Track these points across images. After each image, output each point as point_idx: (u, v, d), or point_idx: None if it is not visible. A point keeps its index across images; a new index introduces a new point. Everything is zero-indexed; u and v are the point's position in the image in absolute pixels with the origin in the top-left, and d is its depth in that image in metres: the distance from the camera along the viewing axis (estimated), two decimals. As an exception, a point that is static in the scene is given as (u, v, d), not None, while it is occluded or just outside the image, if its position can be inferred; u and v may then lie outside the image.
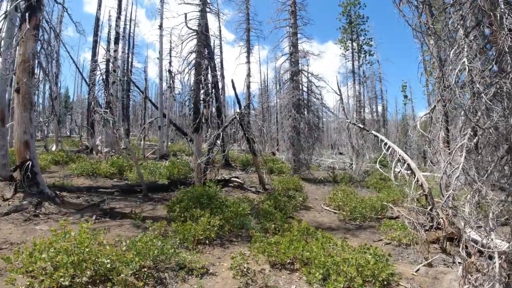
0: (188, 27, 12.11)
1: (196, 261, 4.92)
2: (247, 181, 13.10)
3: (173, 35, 26.37)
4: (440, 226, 6.95)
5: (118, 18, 21.08)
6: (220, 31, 26.69)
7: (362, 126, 13.95)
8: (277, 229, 6.87)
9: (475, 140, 3.34)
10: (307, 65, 18.38)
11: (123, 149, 19.94)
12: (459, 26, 3.44)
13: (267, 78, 41.96)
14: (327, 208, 10.38)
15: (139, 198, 9.97)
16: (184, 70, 11.94)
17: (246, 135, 11.89)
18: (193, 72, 11.67)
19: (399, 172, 8.01)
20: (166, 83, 26.78)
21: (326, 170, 19.54)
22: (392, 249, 6.80)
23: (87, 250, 3.99)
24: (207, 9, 12.95)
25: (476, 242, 4.07)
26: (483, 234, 3.61)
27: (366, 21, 31.93)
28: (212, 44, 16.07)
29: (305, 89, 18.09)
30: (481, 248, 3.65)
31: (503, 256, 3.73)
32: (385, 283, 4.64)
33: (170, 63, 27.62)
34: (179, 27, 12.37)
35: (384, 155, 8.49)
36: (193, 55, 11.74)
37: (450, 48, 3.45)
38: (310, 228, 6.48)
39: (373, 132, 10.26)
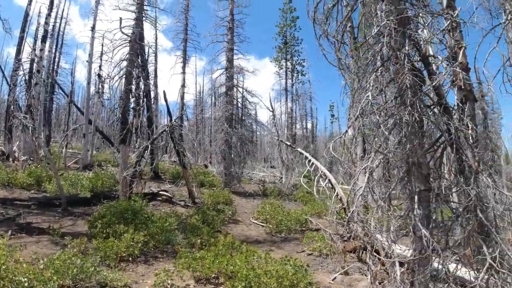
0: (122, 32, 11.67)
1: (118, 279, 4.75)
2: (176, 194, 12.86)
3: (106, 38, 24.97)
4: (357, 237, 7.60)
5: (49, 15, 19.39)
6: (156, 38, 26.05)
7: (289, 143, 14.68)
8: (203, 244, 6.91)
9: (376, 162, 3.82)
10: (242, 81, 18.89)
11: (43, 157, 18.25)
12: (368, 63, 3.94)
13: (203, 90, 41.66)
14: (256, 221, 10.65)
15: (58, 212, 9.23)
16: (114, 78, 11.44)
17: (176, 147, 11.72)
18: (123, 81, 11.24)
19: (321, 187, 8.62)
20: (95, 87, 25.12)
21: (257, 183, 19.99)
22: (313, 260, 7.24)
23: (3, 267, 3.78)
24: (143, 17, 12.64)
25: (383, 252, 4.57)
26: (387, 245, 4.09)
27: (300, 43, 33.75)
28: (146, 51, 15.66)
29: (239, 104, 18.49)
30: (383, 258, 4.12)
31: (406, 265, 4.25)
32: (303, 292, 4.94)
33: (100, 67, 26.07)
34: (113, 32, 11.77)
35: (309, 171, 9.05)
36: (124, 63, 11.33)
37: (359, 83, 3.93)
38: (235, 242, 6.63)
39: (299, 149, 10.88)
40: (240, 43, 19.21)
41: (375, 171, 3.87)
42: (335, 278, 6.01)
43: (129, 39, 11.62)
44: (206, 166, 27.62)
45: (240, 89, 18.55)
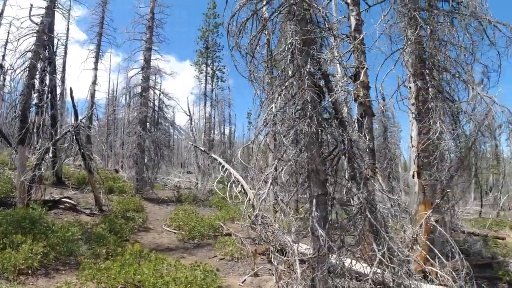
0: (31, 20, 10.50)
1: (17, 293, 4.25)
2: (82, 201, 11.87)
3: (13, 25, 21.81)
4: (270, 241, 7.96)
5: None
6: (68, 30, 23.51)
7: (203, 149, 14.68)
8: (110, 254, 6.59)
9: (279, 170, 4.11)
10: (160, 82, 18.29)
11: None
12: (278, 77, 4.24)
13: (117, 89, 38.93)
14: (168, 228, 10.40)
15: None
16: (15, 71, 10.15)
17: (82, 150, 10.82)
18: (26, 74, 10.04)
19: (234, 193, 8.85)
20: None
21: (172, 189, 19.47)
22: (225, 264, 7.37)
23: None
24: (55, 7, 11.50)
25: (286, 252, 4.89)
26: (289, 245, 4.41)
27: (222, 49, 34.01)
28: (56, 43, 14.07)
29: (154, 105, 17.85)
30: (284, 258, 4.42)
31: (307, 263, 4.62)
32: (213, 296, 5.03)
33: (3, 56, 22.63)
34: (21, 19, 10.50)
35: (222, 177, 9.20)
36: (29, 55, 10.15)
37: (267, 95, 4.21)
38: (143, 250, 6.44)
39: (213, 155, 10.99)
40: (159, 43, 18.62)
41: (283, 176, 4.15)
42: (244, 280, 6.22)
43: (36, 28, 10.48)
44: (117, 171, 25.95)
45: (157, 91, 17.95)
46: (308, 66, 4.03)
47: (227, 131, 38.96)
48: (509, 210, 32.47)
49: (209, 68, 33.84)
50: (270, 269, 7.09)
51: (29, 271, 5.46)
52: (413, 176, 7.70)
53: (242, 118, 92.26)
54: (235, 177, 8.59)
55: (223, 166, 9.17)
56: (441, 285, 6.57)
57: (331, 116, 4.39)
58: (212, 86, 33.95)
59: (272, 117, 3.81)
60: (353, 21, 8.87)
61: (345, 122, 4.44)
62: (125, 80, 22.42)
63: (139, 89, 17.66)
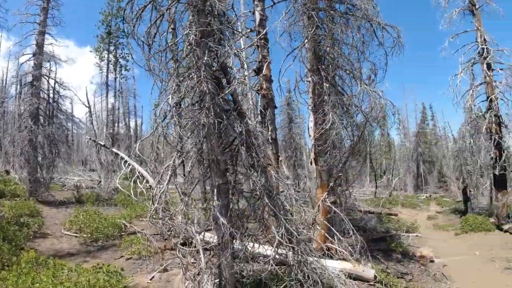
0: None
1: None
2: (-37, 210, 10.18)
3: None
4: (176, 234, 7.86)
5: None
6: None
7: (102, 143, 13.72)
8: (5, 264, 5.90)
9: (179, 161, 4.12)
10: (55, 70, 16.36)
11: None
12: (176, 67, 4.19)
13: (7, 77, 33.65)
14: (68, 232, 9.54)
15: None
16: None
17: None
18: None
19: (141, 188, 8.52)
20: None
21: (72, 189, 17.80)
22: (132, 263, 7.10)
23: None
24: None
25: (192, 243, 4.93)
26: (193, 237, 4.46)
27: (126, 35, 31.72)
28: None
29: (47, 97, 15.98)
30: (187, 249, 4.46)
31: (211, 252, 4.72)
32: (120, 297, 4.84)
33: None
34: None
35: (125, 173, 8.78)
36: None
37: (164, 86, 4.14)
38: (39, 257, 5.86)
39: (114, 149, 10.39)
40: (54, 27, 16.59)
41: (188, 168, 4.15)
42: (153, 277, 6.10)
43: None
44: (8, 172, 22.72)
45: (51, 80, 16.07)
46: (206, 58, 4.07)
47: (132, 124, 36.59)
48: (400, 190, 37.58)
49: (111, 56, 31.37)
50: (179, 263, 7.05)
51: None
52: (311, 162, 8.40)
53: (150, 110, 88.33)
54: (139, 172, 8.26)
55: (125, 161, 8.72)
56: (339, 259, 7.35)
57: (230, 108, 4.52)
58: (115, 75, 31.58)
59: (170, 108, 3.76)
60: (257, 16, 9.18)
61: (244, 113, 4.61)
62: (15, 67, 19.61)
63: (30, 78, 15.63)
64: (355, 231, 7.47)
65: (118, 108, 32.41)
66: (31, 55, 15.79)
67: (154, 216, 4.13)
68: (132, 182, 8.08)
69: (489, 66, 14.25)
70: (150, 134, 4.34)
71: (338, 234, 7.63)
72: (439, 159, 39.55)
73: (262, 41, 8.56)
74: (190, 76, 4.28)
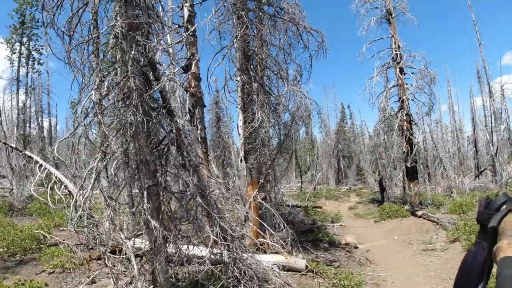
0: None
1: None
2: None
3: None
4: (102, 243, 7.31)
5: None
6: None
7: (14, 146, 12.25)
8: None
9: (105, 163, 3.83)
10: None
11: None
12: (99, 61, 3.87)
13: None
14: (-25, 248, 8.30)
15: None
16: None
17: None
18: None
19: (58, 195, 7.76)
20: None
21: (-24, 199, 15.54)
22: (55, 277, 6.45)
23: None
24: None
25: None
26: (122, 244, 4.19)
27: (41, 26, 28.45)
28: None
29: None
30: (118, 256, 4.20)
31: (144, 257, 4.48)
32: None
33: None
34: None
35: (40, 179, 7.92)
36: None
37: (83, 81, 3.80)
38: None
39: (27, 152, 9.33)
40: None
41: (113, 170, 3.87)
42: (78, 290, 5.60)
43: None
44: None
45: None
46: (134, 52, 3.83)
47: (46, 124, 32.96)
48: (323, 184, 39.94)
49: (24, 48, 28.07)
50: (108, 273, 6.58)
51: None
52: (241, 160, 8.47)
53: (67, 108, 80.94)
54: (57, 177, 7.51)
55: (40, 166, 7.86)
56: (272, 253, 7.53)
57: (158, 106, 4.33)
58: (27, 69, 28.28)
59: (93, 105, 3.46)
60: (186, 12, 8.91)
61: (173, 111, 4.46)
62: None
63: None
64: (285, 225, 7.74)
65: (30, 106, 28.97)
66: None
67: (78, 224, 3.78)
68: (49, 188, 7.30)
69: (401, 70, 15.85)
70: (69, 134, 3.96)
71: (269, 229, 7.82)
72: (357, 154, 43.00)
73: (191, 38, 8.37)
74: (115, 71, 4.01)
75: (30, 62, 28.67)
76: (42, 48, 28.93)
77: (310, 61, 8.47)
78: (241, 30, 7.67)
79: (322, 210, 17.90)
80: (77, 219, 3.57)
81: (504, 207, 0.93)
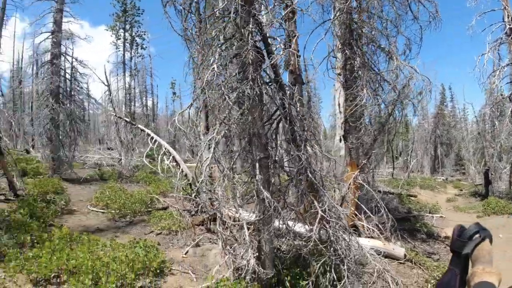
0: None
1: None
2: (-9, 187, 10.39)
3: None
4: (204, 209, 7.90)
5: None
6: None
7: (128, 120, 13.73)
8: (35, 241, 5.86)
9: (222, 134, 4.00)
10: (72, 49, 16.27)
11: None
12: (214, 37, 4.01)
13: (22, 58, 33.85)
14: (94, 209, 9.68)
15: None
16: None
17: (-15, 129, 9.36)
18: None
19: (166, 165, 8.50)
20: None
21: (92, 167, 18.06)
22: (163, 238, 7.15)
23: None
24: None
25: (231, 218, 4.89)
26: (234, 211, 4.40)
27: (142, 13, 31.44)
28: None
29: (68, 76, 15.98)
30: (232, 223, 4.42)
31: (252, 226, 4.66)
32: (158, 271, 4.86)
33: None
34: None
35: (151, 150, 8.76)
36: None
37: (206, 55, 3.97)
38: (73, 233, 5.89)
39: (140, 126, 10.34)
40: (71, 4, 16.40)
41: (220, 142, 4.05)
42: (187, 251, 6.12)
43: None
44: (28, 152, 23.19)
45: (69, 58, 16.04)
46: (251, 26, 3.88)
47: (149, 103, 36.81)
48: (417, 172, 37.08)
49: (127, 34, 31.25)
50: (210, 239, 7.09)
51: None
52: (340, 140, 8.21)
53: (165, 89, 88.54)
54: (165, 149, 8.22)
55: (151, 138, 8.67)
56: (368, 237, 7.29)
57: (271, 80, 4.35)
58: (131, 53, 31.51)
59: (214, 78, 3.61)
60: (287, -14, 8.78)
61: (284, 85, 4.44)
62: (32, 47, 19.52)
63: (48, 56, 15.60)
64: (386, 209, 7.37)
65: (134, 87, 32.44)
66: (49, 34, 15.65)
67: (199, 190, 4.05)
68: (159, 159, 8.05)
69: (516, 47, 13.65)
70: (188, 106, 4.21)
71: (368, 212, 7.54)
72: (457, 142, 38.72)
73: (290, 14, 8.23)
74: (232, 45, 4.11)
75: (133, 47, 31.76)
76: (144, 34, 31.85)
77: (421, 34, 7.68)
78: (345, 2, 7.27)
79: (416, 200, 16.70)
80: (199, 183, 3.81)
81: (477, 235, 1.02)
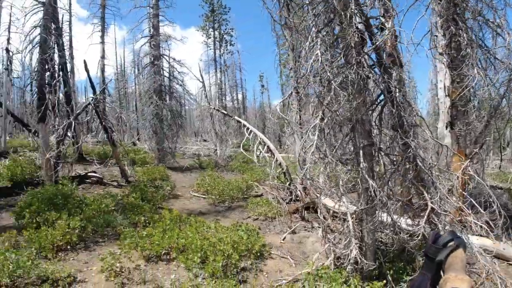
0: None
1: (60, 270, 4.27)
2: (106, 175, 12.00)
3: (14, 7, 21.38)
4: (298, 198, 7.99)
5: None
6: (70, 3, 22.97)
7: (225, 112, 14.52)
8: (147, 221, 6.58)
9: (325, 121, 3.94)
10: (169, 50, 17.86)
11: None
12: (313, 22, 3.95)
13: (124, 62, 38.61)
14: (196, 194, 10.52)
15: (-25, 206, 7.91)
16: (26, 48, 9.96)
17: (103, 123, 10.84)
18: (37, 50, 9.86)
19: (260, 154, 8.79)
20: (2, 64, 21.49)
21: (191, 157, 19.63)
22: (260, 224, 7.45)
23: None
24: None
25: (329, 207, 4.85)
26: (336, 199, 4.34)
27: (228, 11, 33.06)
28: (61, 18, 13.64)
29: (166, 74, 17.56)
30: (335, 209, 4.36)
31: (354, 216, 4.55)
32: (259, 254, 5.09)
33: (8, 40, 22.37)
34: None
35: (247, 140, 9.13)
36: (38, 30, 9.91)
37: (305, 41, 3.94)
38: (182, 215, 6.47)
39: (236, 118, 10.84)
40: (166, 9, 17.98)
41: (325, 128, 4.00)
42: (284, 237, 6.28)
43: (43, 2, 10.14)
44: (134, 144, 26.27)
45: (167, 58, 17.58)
46: (353, 7, 3.72)
47: (239, 97, 38.62)
48: (530, 165, 31.75)
49: (216, 32, 33.09)
50: (304, 227, 7.17)
51: (68, 247, 5.35)
52: (446, 126, 7.44)
53: (252, 82, 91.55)
54: (260, 139, 8.49)
55: (247, 128, 9.04)
56: (475, 234, 6.53)
57: (374, 63, 4.14)
58: (220, 51, 33.30)
59: (318, 64, 3.57)
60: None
61: (388, 68, 4.18)
62: (132, 52, 21.92)
63: (147, 60, 17.33)
64: (498, 205, 6.51)
65: (224, 83, 34.28)
66: (148, 38, 17.31)
67: (304, 176, 4.10)
68: (255, 148, 8.37)
69: None
70: (287, 96, 4.25)
71: (478, 206, 6.74)
72: None
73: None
74: (333, 29, 4.02)
75: (222, 44, 33.48)
76: (232, 31, 33.36)
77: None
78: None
79: (530, 197, 14.35)
80: (304, 170, 3.84)
81: (451, 243, 1.06)
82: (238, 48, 36.27)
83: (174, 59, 17.50)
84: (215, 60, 32.44)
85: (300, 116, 7.48)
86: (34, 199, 6.58)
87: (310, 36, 4.00)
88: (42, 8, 10.34)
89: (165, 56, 17.45)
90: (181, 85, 17.58)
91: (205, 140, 29.07)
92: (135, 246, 5.08)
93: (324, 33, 3.95)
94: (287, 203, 8.00)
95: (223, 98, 33.25)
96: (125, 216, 7.02)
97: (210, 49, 32.87)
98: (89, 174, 11.15)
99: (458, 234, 1.10)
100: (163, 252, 5.11)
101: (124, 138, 29.07)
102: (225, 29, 33.33)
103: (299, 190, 7.60)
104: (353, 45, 3.71)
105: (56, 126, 10.81)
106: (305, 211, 7.68)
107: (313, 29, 3.96)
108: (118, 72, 38.03)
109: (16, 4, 21.25)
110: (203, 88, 17.32)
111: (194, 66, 56.30)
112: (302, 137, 5.02)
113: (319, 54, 3.54)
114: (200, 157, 19.14)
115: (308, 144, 3.86)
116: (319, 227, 5.37)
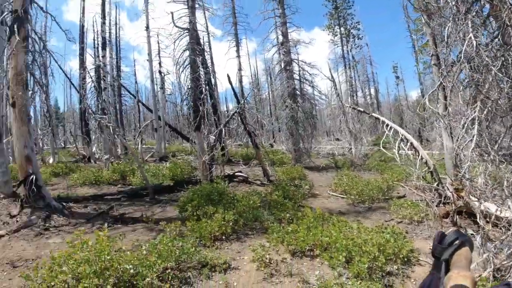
0: (176, 26, 12.09)
1: (217, 257, 4.94)
2: (250, 174, 13.12)
3: (160, 35, 25.98)
4: (448, 201, 7.09)
5: (103, 23, 20.86)
6: (207, 26, 26.39)
7: (362, 109, 14.03)
8: (290, 218, 6.90)
9: (485, 112, 3.40)
10: (297, 54, 18.38)
11: (123, 154, 19.89)
12: (459, 3, 3.49)
13: (257, 71, 41.64)
14: (334, 193, 10.48)
15: (147, 201, 9.85)
16: (179, 69, 11.91)
17: (247, 128, 11.93)
18: (188, 70, 11.64)
19: (399, 151, 8.13)
20: (157, 84, 26.41)
21: (325, 157, 19.65)
22: (405, 227, 6.91)
23: (108, 258, 3.91)
24: (196, 5, 12.88)
25: (490, 212, 4.17)
26: (499, 202, 3.71)
27: (352, 5, 32.04)
28: (202, 39, 15.87)
29: (298, 77, 18.08)
30: (497, 214, 3.74)
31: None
32: (406, 259, 4.77)
33: (160, 64, 27.26)
34: (167, 27, 12.50)
35: (386, 137, 8.57)
36: (187, 53, 11.70)
37: (452, 24, 3.49)
38: (325, 214, 6.54)
39: (374, 114, 10.33)
40: (292, 15, 18.64)
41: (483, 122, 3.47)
42: (434, 244, 5.68)
43: (187, 29, 11.92)
44: (271, 146, 27.87)
45: (298, 62, 18.11)
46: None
47: (372, 91, 36.48)
48: None
49: (342, 29, 32.37)
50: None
51: (223, 237, 6.07)
52: None
53: (384, 75, 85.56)
54: (402, 135, 7.87)
55: (387, 125, 8.52)
56: None
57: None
58: (347, 47, 32.39)
59: (473, 48, 3.13)
60: None
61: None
62: (263, 61, 23.48)
63: (281, 65, 18.15)
64: None
65: (355, 79, 33.13)
66: (277, 46, 18.21)
67: (463, 176, 3.67)
68: (396, 145, 7.82)
69: None
70: (437, 85, 3.85)
71: None
72: None
73: None
74: (482, 7, 3.48)
75: (350, 40, 32.45)
76: (358, 24, 32.05)
77: None
78: None
79: None
80: (463, 170, 3.43)
81: (456, 242, 1.05)
82: (367, 41, 34.40)
83: (304, 62, 17.91)
84: (343, 57, 31.71)
85: (447, 108, 6.60)
86: (194, 195, 7.76)
87: (456, 18, 3.54)
88: (187, 34, 12.09)
89: (295, 60, 18.01)
90: (312, 87, 17.84)
91: (337, 139, 28.63)
92: (281, 241, 5.43)
93: (474, 13, 3.44)
94: (436, 205, 7.20)
95: (354, 94, 32.09)
96: (270, 212, 7.53)
97: (337, 46, 32.40)
98: (236, 173, 12.43)
99: (463, 232, 1.08)
100: (307, 248, 5.30)
101: (262, 141, 31.23)
102: (351, 24, 32.27)
103: (451, 192, 6.73)
104: (508, 23, 3.11)
105: (206, 133, 12.44)
106: (458, 216, 6.76)
107: (460, 8, 3.50)
108: (253, 81, 41.11)
109: (161, 33, 25.06)
110: (333, 86, 17.14)
111: (321, 66, 56.30)
112: (451, 132, 4.44)
113: (472, 37, 3.10)
114: (335, 156, 18.97)
115: (464, 140, 3.41)
116: (473, 234, 4.64)
